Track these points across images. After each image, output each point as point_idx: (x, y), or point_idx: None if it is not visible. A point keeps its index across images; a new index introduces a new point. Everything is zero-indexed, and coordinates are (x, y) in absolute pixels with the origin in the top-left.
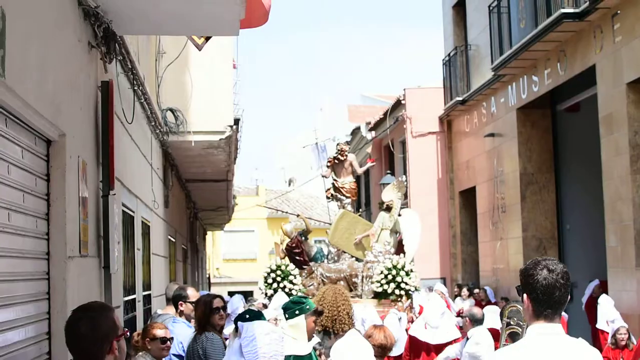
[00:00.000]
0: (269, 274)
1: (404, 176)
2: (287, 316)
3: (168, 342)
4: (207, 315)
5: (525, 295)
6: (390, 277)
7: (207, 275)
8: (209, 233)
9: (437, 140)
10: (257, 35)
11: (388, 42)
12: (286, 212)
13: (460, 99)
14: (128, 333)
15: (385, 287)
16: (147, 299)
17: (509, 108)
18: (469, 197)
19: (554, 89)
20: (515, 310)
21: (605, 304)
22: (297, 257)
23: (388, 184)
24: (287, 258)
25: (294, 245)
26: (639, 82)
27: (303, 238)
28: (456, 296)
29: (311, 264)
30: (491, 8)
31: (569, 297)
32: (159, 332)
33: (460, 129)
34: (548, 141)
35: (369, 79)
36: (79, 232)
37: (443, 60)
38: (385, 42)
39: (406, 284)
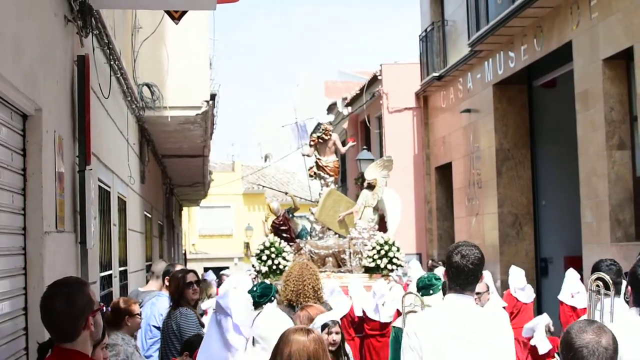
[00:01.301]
0: (262, 251)
1: (390, 155)
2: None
3: (137, 316)
4: (181, 290)
5: (444, 270)
6: (382, 252)
7: (183, 251)
8: (185, 209)
9: (413, 116)
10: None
11: (366, 18)
12: (283, 192)
13: (437, 74)
14: (104, 308)
15: (378, 262)
16: (124, 275)
17: (485, 84)
18: (445, 172)
19: (530, 65)
20: None
21: (571, 277)
22: (285, 235)
23: (365, 159)
24: (272, 235)
25: (281, 222)
26: (615, 58)
27: (290, 215)
28: (430, 271)
29: (297, 240)
30: None
31: (481, 275)
32: (135, 308)
33: (436, 104)
34: (524, 117)
35: (347, 55)
36: (55, 207)
37: (420, 36)
38: (363, 18)
39: (397, 258)
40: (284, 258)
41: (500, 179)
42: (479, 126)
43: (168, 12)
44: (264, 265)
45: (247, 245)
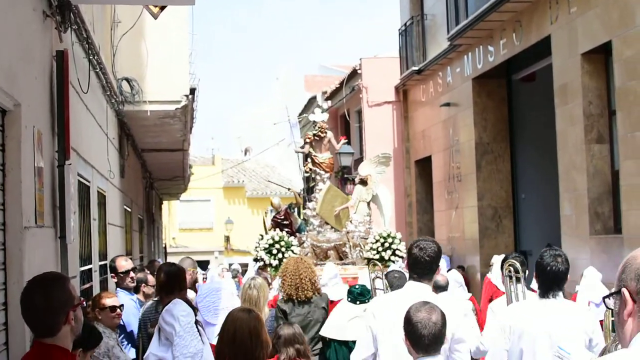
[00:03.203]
0: (272, 245)
1: (389, 153)
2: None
3: (118, 309)
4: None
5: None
6: (387, 244)
7: (164, 245)
8: (165, 202)
9: (393, 110)
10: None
11: (346, 12)
12: (287, 188)
13: (416, 68)
14: (84, 302)
15: (382, 253)
16: (104, 269)
17: (464, 78)
18: (424, 166)
19: (509, 59)
20: None
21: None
22: (286, 229)
23: (345, 153)
24: (273, 230)
25: (282, 217)
26: (594, 52)
27: (291, 210)
28: None
29: (298, 234)
30: None
31: (437, 267)
32: (108, 301)
33: (416, 98)
34: (503, 111)
35: (327, 49)
36: (34, 202)
37: (399, 29)
38: (343, 12)
39: (399, 250)
40: (292, 251)
41: (480, 173)
42: (458, 120)
43: (147, 8)
44: (274, 259)
45: (227, 239)
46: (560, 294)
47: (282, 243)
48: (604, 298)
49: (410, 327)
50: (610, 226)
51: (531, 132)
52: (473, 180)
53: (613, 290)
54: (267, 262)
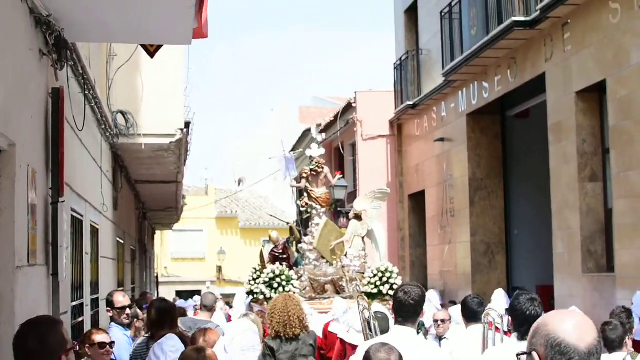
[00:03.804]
0: (272, 279)
1: (386, 188)
2: None
3: (107, 347)
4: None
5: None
6: (385, 279)
7: (156, 275)
8: (157, 232)
9: (387, 144)
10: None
11: (341, 45)
12: (286, 222)
13: (411, 103)
14: (77, 347)
15: (381, 288)
16: (95, 303)
17: (459, 113)
18: (418, 200)
19: (504, 96)
20: None
21: (498, 298)
22: (284, 263)
23: (339, 186)
24: (270, 264)
25: (281, 251)
26: (588, 91)
27: (289, 245)
28: None
29: (295, 268)
30: (443, 14)
31: (421, 310)
32: (98, 338)
33: (410, 133)
34: (497, 147)
35: (322, 81)
36: (27, 241)
37: (394, 64)
38: (338, 45)
39: (396, 284)
40: (293, 285)
41: (473, 208)
42: (452, 155)
43: (144, 47)
44: (275, 293)
45: (219, 269)
46: None
47: (283, 277)
48: (517, 355)
49: None
50: (603, 265)
51: (525, 169)
52: (466, 215)
53: (525, 351)
54: (268, 295)
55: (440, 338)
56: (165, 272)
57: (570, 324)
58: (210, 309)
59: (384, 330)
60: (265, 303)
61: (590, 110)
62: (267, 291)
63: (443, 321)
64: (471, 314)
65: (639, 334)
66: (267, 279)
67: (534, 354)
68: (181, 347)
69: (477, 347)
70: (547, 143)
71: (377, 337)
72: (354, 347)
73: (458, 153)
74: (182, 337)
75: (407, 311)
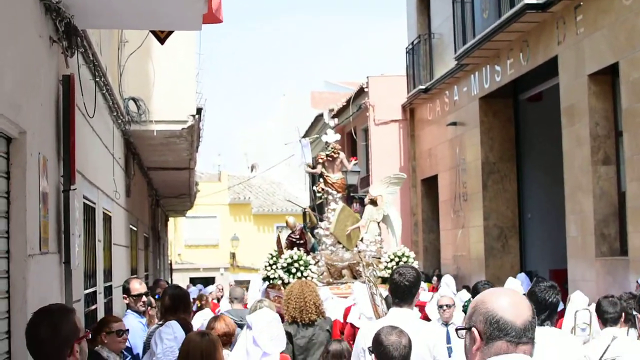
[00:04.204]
0: (290, 264)
1: (402, 173)
2: None
3: (124, 334)
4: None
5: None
6: (401, 263)
7: (169, 262)
8: (170, 219)
9: (399, 128)
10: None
11: (352, 29)
12: (303, 208)
13: (423, 87)
14: (89, 335)
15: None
16: (108, 290)
17: (471, 97)
18: (431, 185)
19: (516, 79)
20: None
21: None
22: (301, 248)
23: (352, 171)
24: (287, 249)
25: (298, 236)
26: (601, 74)
27: (306, 230)
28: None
29: (312, 254)
30: None
31: (416, 291)
32: (115, 326)
33: (422, 117)
34: (510, 130)
35: (333, 65)
36: (39, 229)
37: (406, 48)
38: (349, 29)
39: None
40: (311, 270)
41: (486, 192)
42: (465, 139)
43: (154, 33)
44: (294, 278)
45: (233, 256)
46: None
47: (301, 262)
48: (456, 329)
49: (382, 349)
50: (617, 248)
51: (538, 152)
52: (479, 199)
53: (464, 326)
54: (286, 280)
55: (446, 324)
56: (179, 259)
57: (508, 302)
58: (241, 300)
59: None
60: (282, 288)
61: (603, 93)
62: (285, 276)
63: (448, 306)
64: None
65: None
66: (285, 265)
67: (474, 329)
68: (180, 334)
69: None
70: (560, 126)
71: (375, 321)
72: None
73: (471, 137)
74: (186, 325)
75: (403, 292)
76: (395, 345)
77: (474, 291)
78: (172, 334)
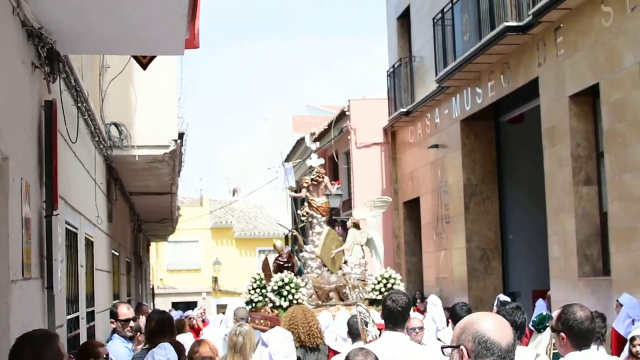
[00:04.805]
0: (281, 287)
1: (387, 197)
2: None
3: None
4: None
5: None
6: (388, 285)
7: (151, 287)
8: (152, 244)
9: (381, 151)
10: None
11: (333, 52)
12: (290, 230)
13: (405, 110)
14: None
15: (386, 294)
16: (91, 316)
17: (452, 119)
18: (413, 207)
19: (497, 101)
20: None
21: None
22: (289, 272)
23: (334, 194)
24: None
25: (285, 259)
26: (581, 95)
27: (293, 253)
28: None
29: (299, 277)
30: (435, 20)
31: (408, 316)
32: (102, 350)
33: (404, 140)
34: (491, 152)
35: (315, 89)
36: (22, 254)
37: (387, 71)
38: (330, 52)
39: None
40: (301, 293)
41: (468, 214)
42: (446, 161)
43: (136, 58)
44: (285, 300)
45: (215, 280)
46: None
47: (292, 284)
48: (442, 348)
49: None
50: (599, 268)
51: (519, 174)
52: (461, 221)
53: (452, 344)
54: (277, 303)
55: None
56: (161, 283)
57: (494, 324)
58: (247, 320)
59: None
60: (272, 311)
61: (584, 114)
62: (276, 299)
63: (422, 328)
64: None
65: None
66: (275, 287)
67: (462, 347)
68: (173, 355)
69: None
70: (541, 147)
71: (368, 345)
72: (337, 353)
73: (452, 159)
74: (177, 347)
75: (396, 317)
76: None
77: (452, 312)
78: (165, 356)
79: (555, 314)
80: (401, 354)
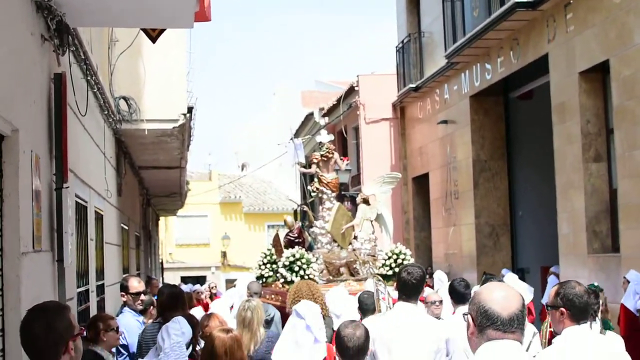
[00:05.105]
0: (293, 262)
1: (397, 173)
2: None
3: (113, 332)
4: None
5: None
6: (399, 260)
7: (160, 261)
8: (161, 218)
9: (390, 127)
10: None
11: (343, 28)
12: (299, 205)
13: (414, 86)
14: (84, 332)
15: (396, 269)
16: (101, 289)
17: (462, 95)
18: (422, 183)
19: (507, 77)
20: None
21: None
22: (299, 247)
23: (343, 170)
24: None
25: (296, 235)
26: (591, 71)
27: (304, 229)
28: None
29: (309, 252)
30: None
31: (422, 289)
32: (113, 322)
33: (413, 115)
34: (501, 128)
35: (324, 64)
36: (32, 227)
37: (396, 47)
38: (339, 28)
39: None
40: (313, 268)
41: (477, 190)
42: (455, 137)
43: (145, 31)
44: (296, 276)
45: (224, 254)
46: None
47: (303, 260)
48: (463, 315)
49: (339, 340)
50: (608, 245)
51: (528, 150)
52: (470, 197)
53: (465, 312)
54: (289, 279)
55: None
56: (170, 258)
57: (498, 295)
58: (260, 295)
59: (370, 305)
60: (281, 287)
61: (594, 91)
62: (288, 275)
63: (441, 302)
64: (459, 297)
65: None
66: (287, 263)
67: (468, 316)
68: (188, 330)
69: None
70: (550, 124)
71: (382, 315)
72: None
73: (461, 135)
74: (191, 320)
75: (410, 289)
76: (349, 336)
77: (451, 289)
78: (179, 329)
79: (552, 290)
80: (412, 323)
